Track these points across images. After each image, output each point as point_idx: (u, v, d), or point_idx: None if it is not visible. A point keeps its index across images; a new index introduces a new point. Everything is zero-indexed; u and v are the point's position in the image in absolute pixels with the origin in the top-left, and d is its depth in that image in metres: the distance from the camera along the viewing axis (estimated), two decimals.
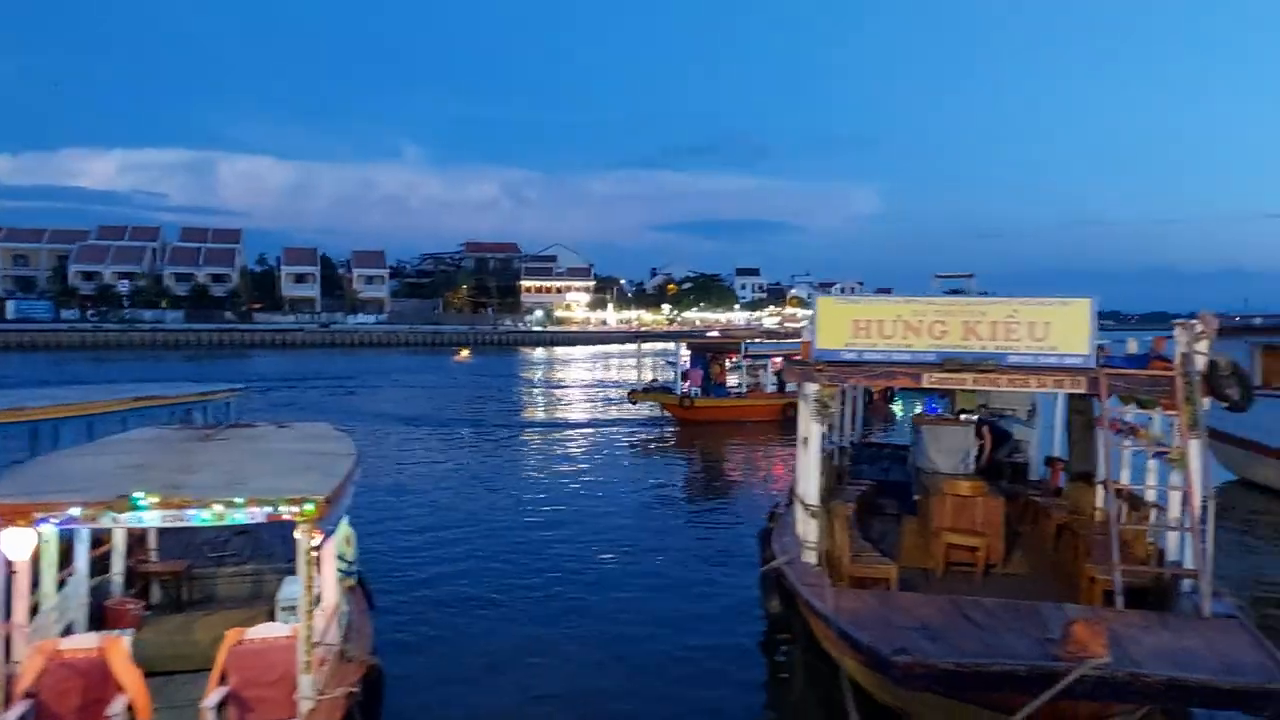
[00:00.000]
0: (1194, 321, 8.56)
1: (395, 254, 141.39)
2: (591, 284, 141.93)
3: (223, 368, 63.11)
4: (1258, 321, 21.84)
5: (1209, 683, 6.23)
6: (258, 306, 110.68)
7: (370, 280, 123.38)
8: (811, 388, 9.37)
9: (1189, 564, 8.58)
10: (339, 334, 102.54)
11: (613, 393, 49.00)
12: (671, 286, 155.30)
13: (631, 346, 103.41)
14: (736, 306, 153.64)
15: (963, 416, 17.42)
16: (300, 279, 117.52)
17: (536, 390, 51.15)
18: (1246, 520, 19.27)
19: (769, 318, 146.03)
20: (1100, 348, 10.13)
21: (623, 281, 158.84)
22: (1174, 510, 9.14)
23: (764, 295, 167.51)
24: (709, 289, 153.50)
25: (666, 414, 32.90)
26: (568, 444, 28.51)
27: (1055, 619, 7.41)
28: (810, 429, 9.51)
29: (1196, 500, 8.26)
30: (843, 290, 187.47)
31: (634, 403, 34.57)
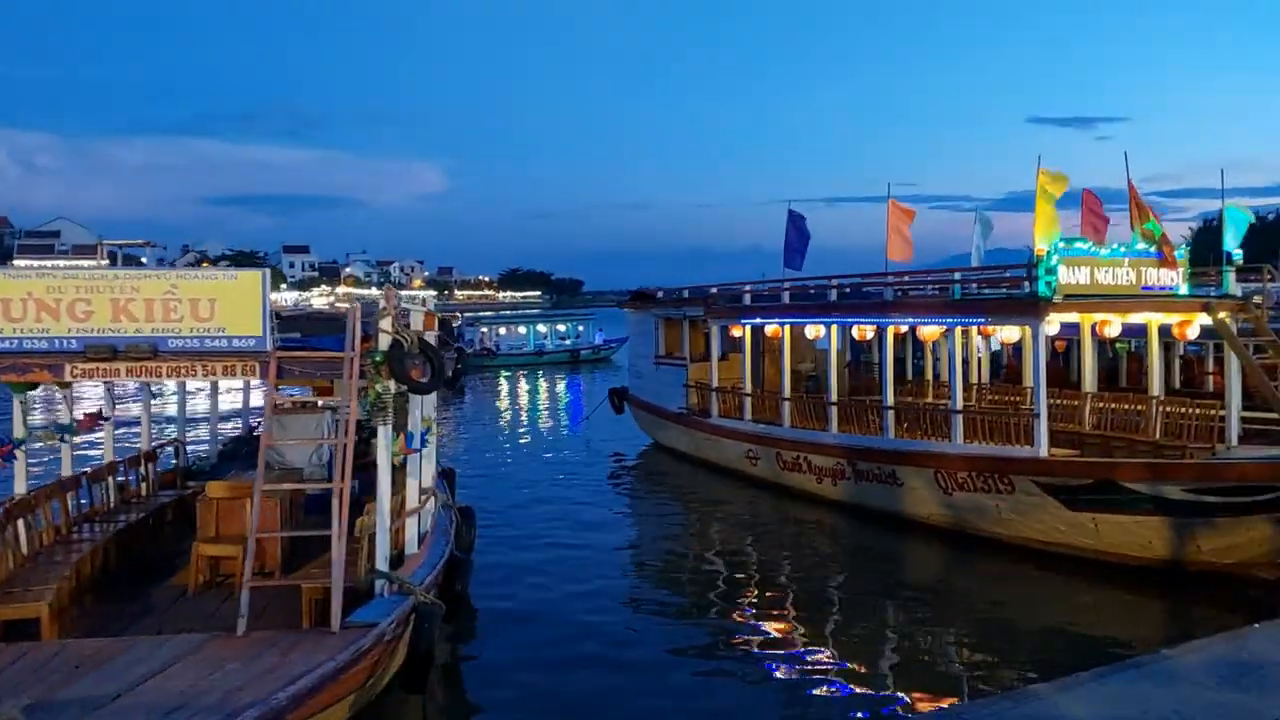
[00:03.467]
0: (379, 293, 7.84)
1: None
2: (104, 264, 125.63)
3: None
4: (660, 295, 23.20)
5: None
6: None
7: None
8: None
9: (380, 564, 7.88)
10: None
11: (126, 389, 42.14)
12: (205, 265, 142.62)
13: None
14: (284, 286, 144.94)
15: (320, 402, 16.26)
16: None
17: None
18: (657, 482, 20.51)
19: (319, 297, 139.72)
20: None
21: (144, 260, 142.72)
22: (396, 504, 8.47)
23: (316, 274, 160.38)
24: (250, 268, 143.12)
25: None
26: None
27: (120, 668, 6.17)
28: None
29: (345, 496, 7.49)
30: (402, 270, 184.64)
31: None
